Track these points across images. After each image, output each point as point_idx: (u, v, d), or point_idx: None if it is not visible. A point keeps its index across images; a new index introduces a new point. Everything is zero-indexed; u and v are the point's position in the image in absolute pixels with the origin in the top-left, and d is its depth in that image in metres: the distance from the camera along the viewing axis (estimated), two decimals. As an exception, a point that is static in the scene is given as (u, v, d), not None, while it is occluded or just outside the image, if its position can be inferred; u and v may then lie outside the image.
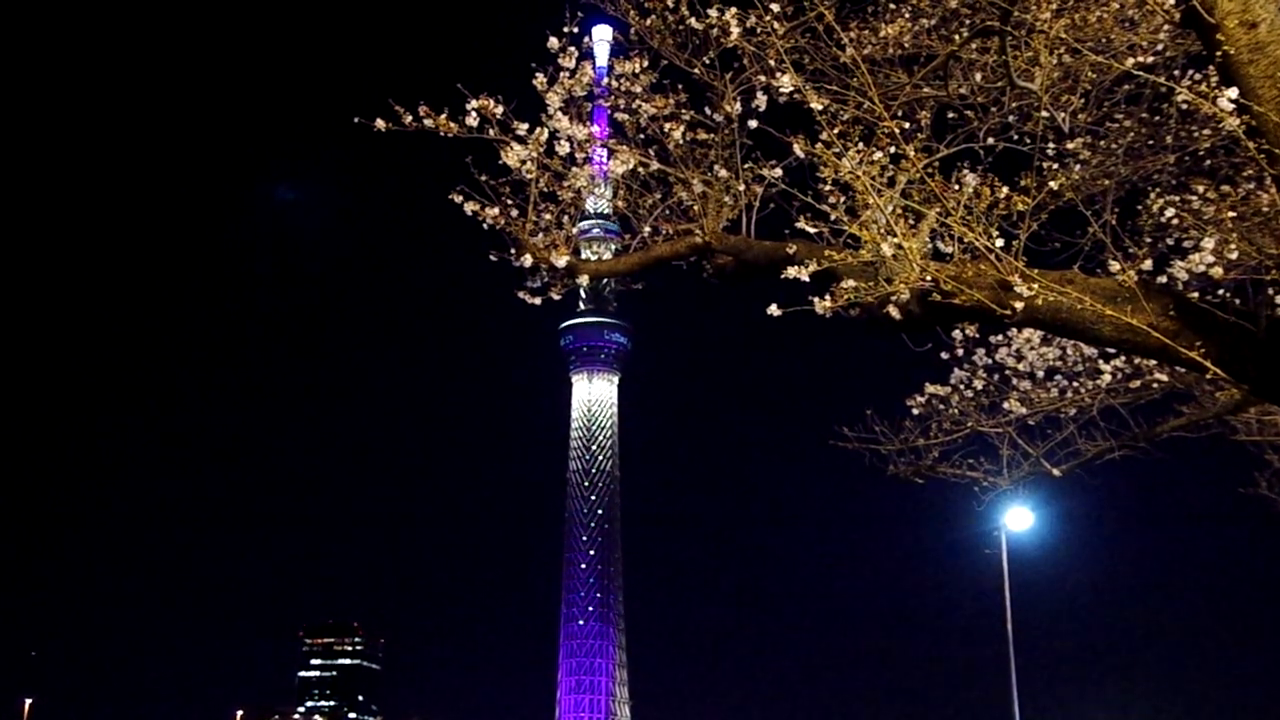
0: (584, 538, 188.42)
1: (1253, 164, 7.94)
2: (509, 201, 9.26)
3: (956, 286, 7.72)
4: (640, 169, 9.69)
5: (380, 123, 9.18)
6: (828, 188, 8.28)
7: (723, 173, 9.57)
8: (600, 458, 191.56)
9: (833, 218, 8.33)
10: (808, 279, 8.29)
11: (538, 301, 9.79)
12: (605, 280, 10.26)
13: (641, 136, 9.75)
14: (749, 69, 9.48)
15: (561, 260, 9.34)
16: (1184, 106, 9.65)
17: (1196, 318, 7.73)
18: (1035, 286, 7.60)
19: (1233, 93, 6.93)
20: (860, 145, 8.11)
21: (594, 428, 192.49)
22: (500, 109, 9.13)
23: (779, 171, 9.30)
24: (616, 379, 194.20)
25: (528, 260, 9.34)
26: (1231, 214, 9.30)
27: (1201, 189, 9.80)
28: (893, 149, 8.04)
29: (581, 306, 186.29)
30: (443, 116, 9.08)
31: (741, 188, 9.55)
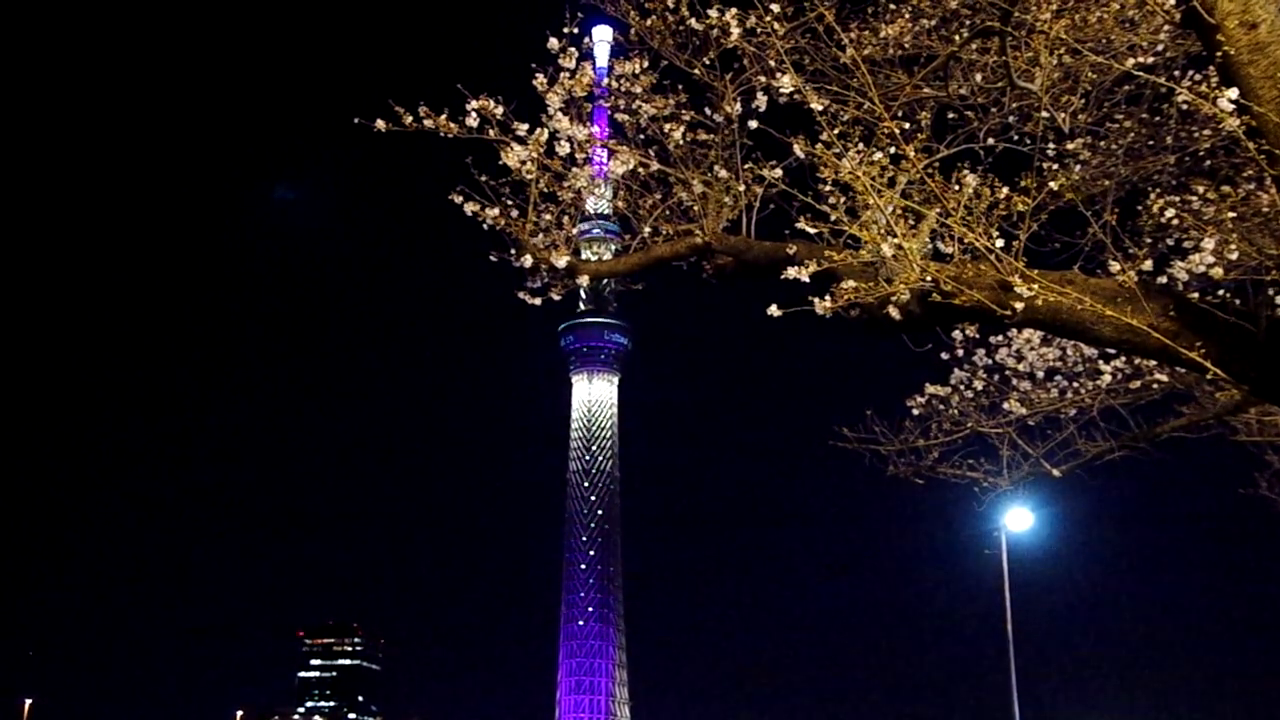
0: (584, 538, 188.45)
1: (1253, 164, 7.94)
2: (509, 202, 9.26)
3: (956, 287, 7.72)
4: (640, 169, 9.69)
5: (380, 123, 9.19)
6: (828, 188, 8.28)
7: (723, 173, 9.57)
8: (600, 458, 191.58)
9: (833, 218, 8.33)
10: (808, 279, 8.29)
11: (538, 302, 9.79)
12: (605, 281, 10.26)
13: (641, 137, 9.75)
14: (749, 69, 9.48)
15: (562, 261, 9.34)
16: (1184, 107, 9.65)
17: (1196, 318, 7.73)
18: (1035, 287, 7.60)
19: (1233, 93, 6.93)
20: (860, 146, 8.12)
21: (594, 428, 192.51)
22: (500, 109, 9.13)
23: (779, 172, 9.30)
24: (616, 379, 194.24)
25: (528, 261, 9.34)
26: (1232, 214, 9.31)
27: (1202, 189, 9.80)
28: (893, 149, 8.04)
29: (582, 307, 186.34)
30: (443, 117, 9.09)
31: (741, 188, 9.56)
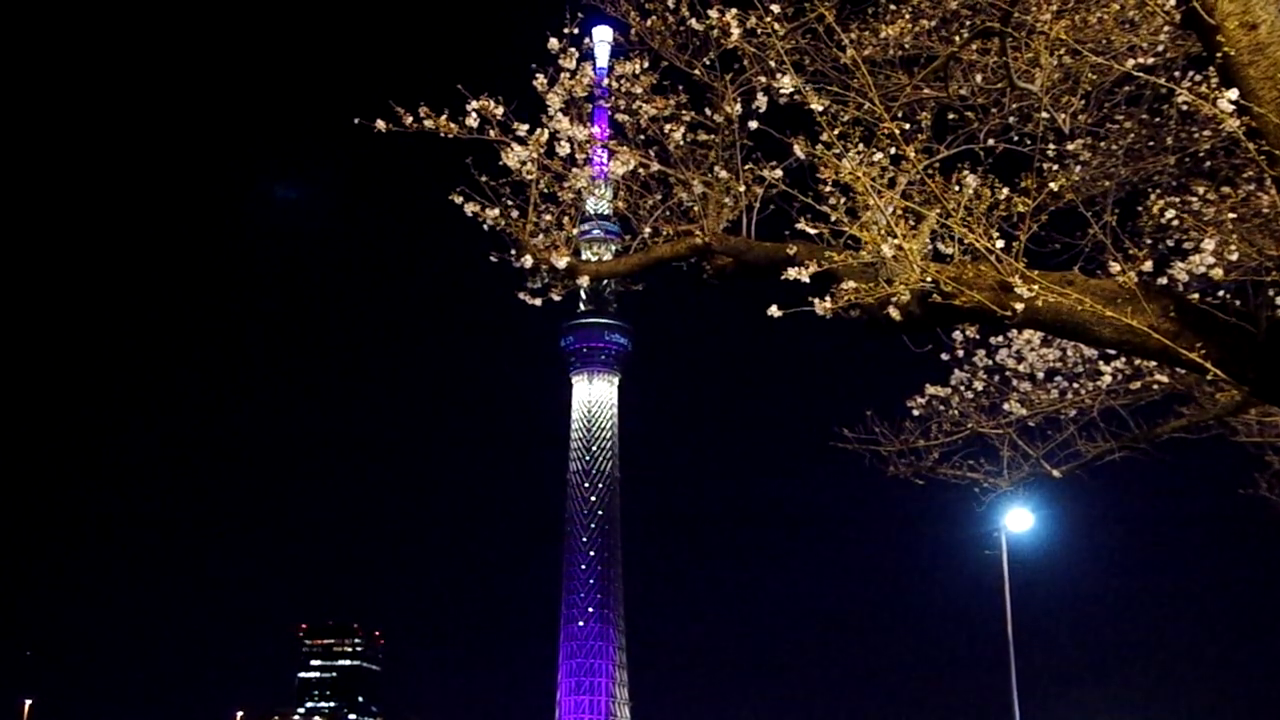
0: (584, 539, 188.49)
1: (1253, 165, 7.94)
2: (509, 202, 9.27)
3: (957, 288, 7.72)
4: (640, 170, 9.70)
5: (381, 124, 9.19)
6: (828, 189, 8.28)
7: (723, 174, 9.58)
8: (600, 458, 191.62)
9: (833, 219, 8.33)
10: (808, 280, 8.30)
11: (538, 302, 9.79)
12: (605, 281, 10.26)
13: (642, 137, 9.75)
14: (749, 70, 9.49)
15: (562, 261, 9.34)
16: (1184, 108, 9.65)
17: (1197, 319, 7.73)
18: (1035, 288, 7.60)
19: (1233, 94, 6.93)
20: (860, 146, 8.12)
21: (594, 428, 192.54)
22: (500, 110, 9.13)
23: (779, 172, 9.30)
24: (617, 380, 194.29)
25: (528, 261, 9.35)
26: (1232, 215, 9.31)
27: (1202, 190, 9.80)
28: (893, 150, 8.04)
29: (582, 307, 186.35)
30: (443, 117, 9.09)
31: (742, 189, 9.56)
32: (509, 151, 9.17)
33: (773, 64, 9.04)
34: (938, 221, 8.05)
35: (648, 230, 9.83)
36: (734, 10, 9.25)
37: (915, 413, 12.87)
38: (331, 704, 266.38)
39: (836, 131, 8.03)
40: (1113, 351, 10.84)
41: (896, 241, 7.77)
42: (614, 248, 10.46)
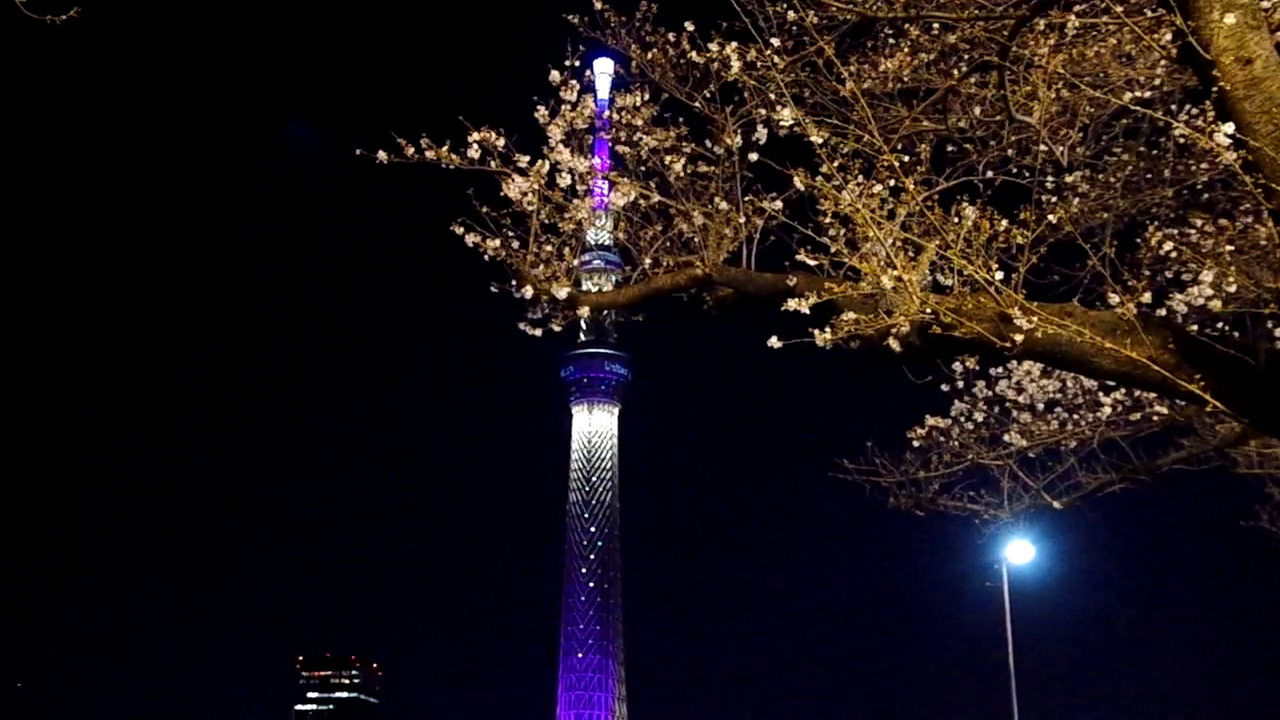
0: (583, 570, 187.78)
1: (1250, 198, 7.97)
2: (510, 233, 9.31)
3: (956, 319, 7.74)
4: (641, 201, 9.74)
5: (382, 154, 9.24)
6: (828, 220, 8.32)
7: (723, 205, 9.62)
8: (600, 489, 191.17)
9: (833, 250, 8.36)
10: (808, 311, 8.31)
11: (539, 333, 9.81)
12: (606, 312, 10.30)
13: (642, 169, 9.81)
14: (749, 102, 9.55)
15: (562, 292, 9.37)
16: (1181, 141, 9.71)
17: (1196, 351, 7.74)
18: (1035, 319, 7.62)
19: (1229, 127, 6.97)
20: (860, 178, 8.15)
21: (594, 459, 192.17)
22: (502, 141, 9.19)
23: (779, 204, 9.35)
24: (617, 410, 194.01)
25: (529, 292, 9.38)
26: (1229, 247, 9.35)
27: (1200, 222, 9.85)
28: (892, 182, 8.08)
29: (582, 338, 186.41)
30: (444, 148, 9.14)
31: (742, 220, 9.60)
32: (510, 182, 9.22)
33: (773, 96, 9.10)
34: (937, 253, 8.07)
35: (648, 261, 9.87)
36: (734, 43, 9.32)
37: (915, 444, 12.87)
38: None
39: (836, 163, 8.08)
40: (1112, 383, 10.86)
41: (896, 273, 7.79)
42: (614, 278, 10.50)
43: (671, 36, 9.80)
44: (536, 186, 9.23)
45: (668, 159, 9.64)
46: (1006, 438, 12.47)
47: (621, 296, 9.97)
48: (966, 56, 9.87)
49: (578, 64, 9.50)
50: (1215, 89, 7.02)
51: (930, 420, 12.64)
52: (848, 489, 13.45)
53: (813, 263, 8.58)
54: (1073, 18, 9.08)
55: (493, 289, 9.50)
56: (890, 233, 8.00)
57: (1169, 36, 7.62)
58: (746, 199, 9.58)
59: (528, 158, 9.28)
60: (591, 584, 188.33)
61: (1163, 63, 9.29)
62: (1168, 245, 9.50)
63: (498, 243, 9.24)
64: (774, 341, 8.38)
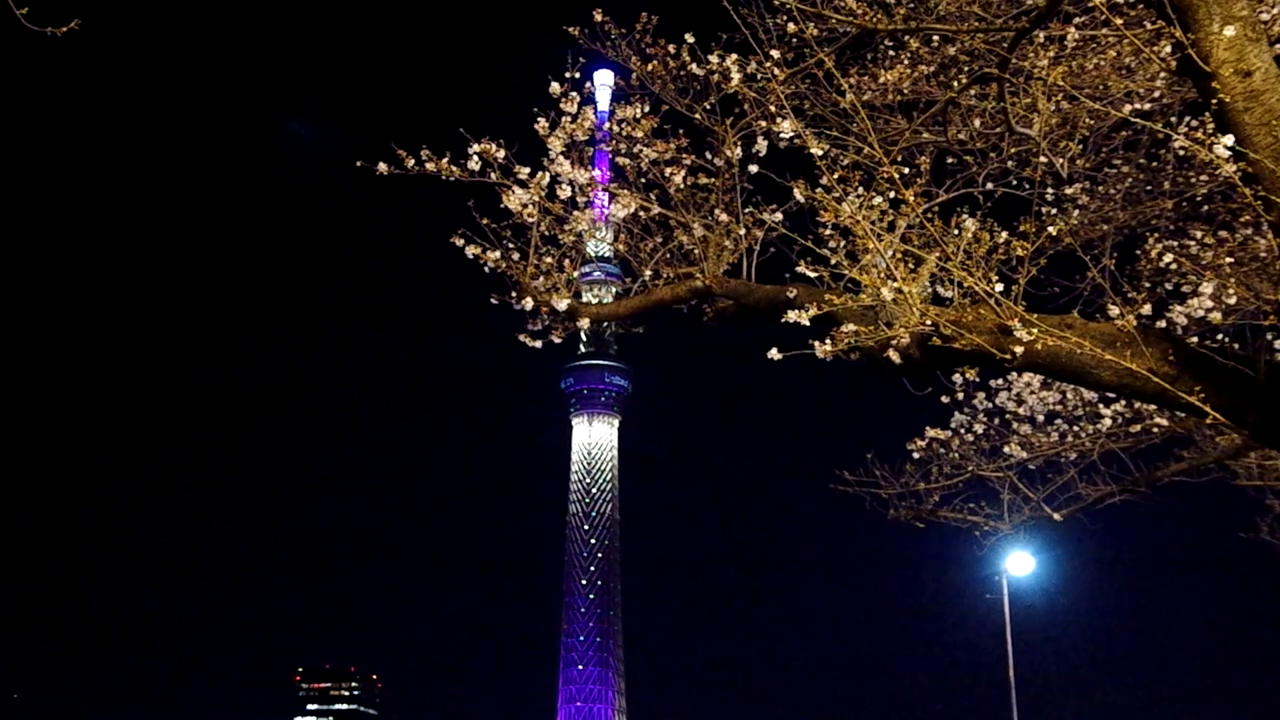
0: (583, 581, 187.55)
1: (1250, 210, 7.99)
2: (510, 245, 9.31)
3: (956, 331, 7.74)
4: (641, 213, 9.75)
5: (383, 166, 9.25)
6: (828, 232, 8.33)
7: (723, 217, 9.63)
8: (600, 501, 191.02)
9: (833, 262, 8.37)
10: (808, 323, 8.32)
11: (539, 344, 9.81)
12: (606, 323, 10.30)
13: (643, 181, 9.82)
14: (749, 114, 9.57)
15: (562, 303, 9.37)
16: (1181, 153, 9.73)
17: (1195, 363, 7.74)
18: (1035, 331, 7.62)
19: (1228, 139, 6.98)
20: (860, 190, 8.17)
21: (594, 471, 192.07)
22: (502, 153, 9.20)
23: (779, 216, 9.36)
24: (617, 422, 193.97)
25: (529, 303, 9.38)
26: (1229, 259, 9.37)
27: (1199, 234, 9.86)
28: (892, 194, 8.09)
29: (582, 349, 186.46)
30: (445, 160, 9.15)
31: (742, 232, 9.61)
32: (510, 194, 9.23)
33: (773, 108, 9.12)
34: (937, 265, 8.08)
35: (648, 273, 9.88)
36: (734, 55, 9.34)
37: (915, 455, 12.86)
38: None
39: (836, 175, 8.09)
40: (1112, 395, 10.86)
41: (896, 285, 7.80)
42: (614, 290, 10.50)
43: (672, 48, 9.82)
44: (537, 198, 9.24)
45: (668, 171, 9.65)
46: (1006, 449, 12.47)
47: (622, 308, 9.97)
48: (966, 69, 9.89)
49: (578, 76, 9.51)
50: (1215, 101, 7.03)
51: (930, 432, 12.63)
52: (848, 501, 13.45)
53: (813, 274, 8.59)
54: (1072, 30, 9.11)
55: (493, 300, 9.51)
56: (890, 244, 8.01)
57: (1168, 49, 7.64)
58: (747, 211, 9.59)
59: (528, 169, 9.29)
60: (592, 595, 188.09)
61: (1162, 75, 9.32)
62: (1168, 257, 9.52)
63: (498, 254, 9.25)
64: (774, 353, 8.38)
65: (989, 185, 10.38)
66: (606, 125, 10.02)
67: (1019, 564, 31.59)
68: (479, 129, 9.18)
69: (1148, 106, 9.75)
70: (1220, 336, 9.11)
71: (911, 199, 7.93)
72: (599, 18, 10.22)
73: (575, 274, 9.61)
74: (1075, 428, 12.27)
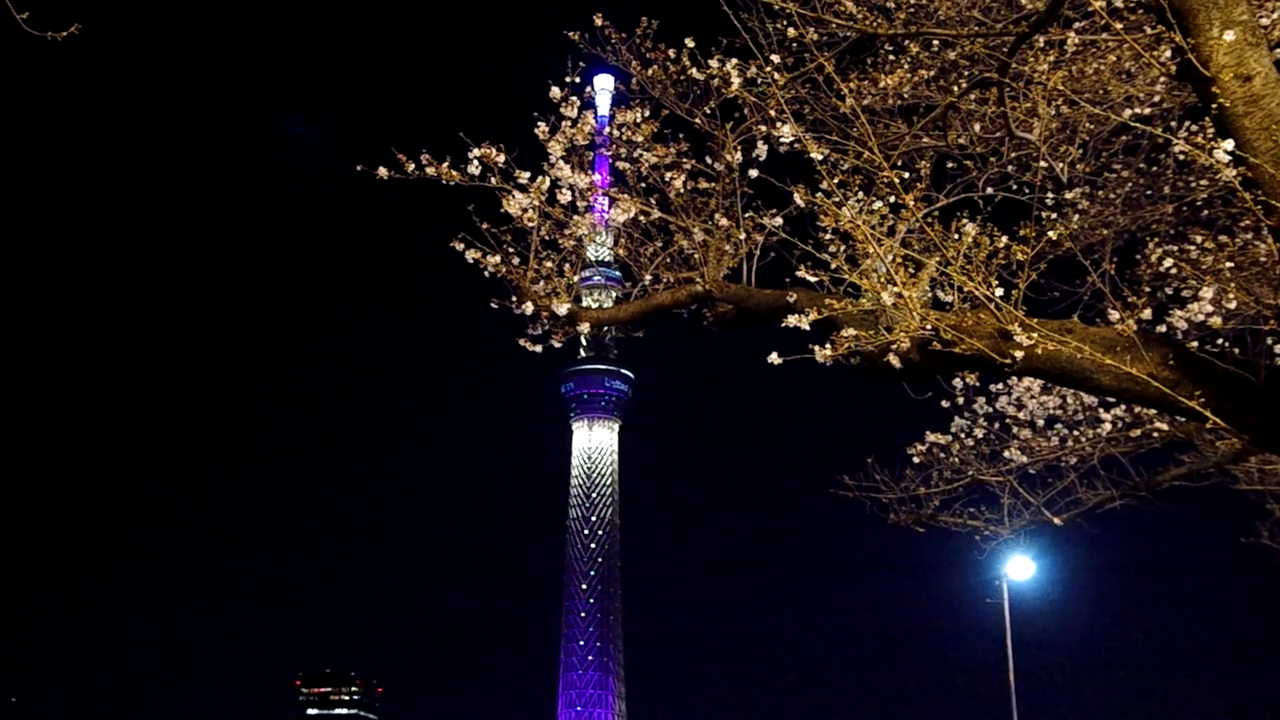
0: (584, 586, 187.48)
1: (1250, 214, 7.99)
2: (510, 249, 9.31)
3: (956, 335, 7.74)
4: (641, 217, 9.75)
5: (383, 171, 9.25)
6: (828, 236, 8.33)
7: (723, 221, 9.63)
8: (600, 505, 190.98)
9: (833, 266, 8.37)
10: (808, 327, 8.32)
11: (539, 349, 9.81)
12: (606, 328, 10.29)
13: (643, 185, 9.82)
14: (749, 119, 9.57)
15: (563, 308, 9.38)
16: (1181, 157, 9.74)
17: (1196, 367, 7.74)
18: (1035, 336, 7.62)
19: (1228, 144, 6.98)
20: (860, 194, 8.17)
21: (594, 475, 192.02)
22: (502, 157, 9.20)
23: (779, 220, 9.36)
24: (617, 426, 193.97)
25: (529, 308, 9.38)
26: (1229, 264, 9.36)
27: (1199, 239, 9.86)
28: (892, 198, 8.09)
29: (582, 354, 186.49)
30: (445, 164, 9.15)
31: (742, 236, 9.61)
32: (510, 199, 9.23)
33: (773, 113, 9.12)
34: (937, 269, 8.08)
35: (648, 277, 9.88)
36: (734, 60, 9.34)
37: (915, 460, 12.87)
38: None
39: (836, 180, 8.09)
40: (1113, 399, 10.86)
41: (896, 289, 7.80)
42: (615, 294, 10.51)
43: (672, 53, 9.82)
44: (537, 203, 9.24)
45: (668, 175, 9.65)
46: (1007, 454, 12.47)
47: (622, 313, 9.97)
48: (966, 73, 9.90)
49: (578, 80, 9.52)
50: (1214, 106, 7.03)
51: (930, 436, 12.64)
52: (848, 505, 13.45)
53: (813, 279, 8.59)
54: (1072, 35, 9.11)
55: (493, 305, 9.51)
56: (890, 249, 8.01)
57: (1168, 53, 7.64)
58: (747, 215, 9.60)
59: (528, 174, 9.29)
60: (592, 600, 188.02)
61: (1162, 79, 9.32)
62: (1168, 262, 9.52)
63: (498, 259, 9.25)
64: (774, 358, 8.38)
65: (989, 190, 10.38)
66: (607, 130, 10.02)
67: (1019, 568, 31.56)
68: (479, 133, 9.19)
69: (1148, 111, 9.76)
70: (1220, 341, 9.11)
71: (911, 203, 7.93)
72: (599, 22, 10.22)
73: (575, 278, 9.61)
74: (1075, 432, 12.27)
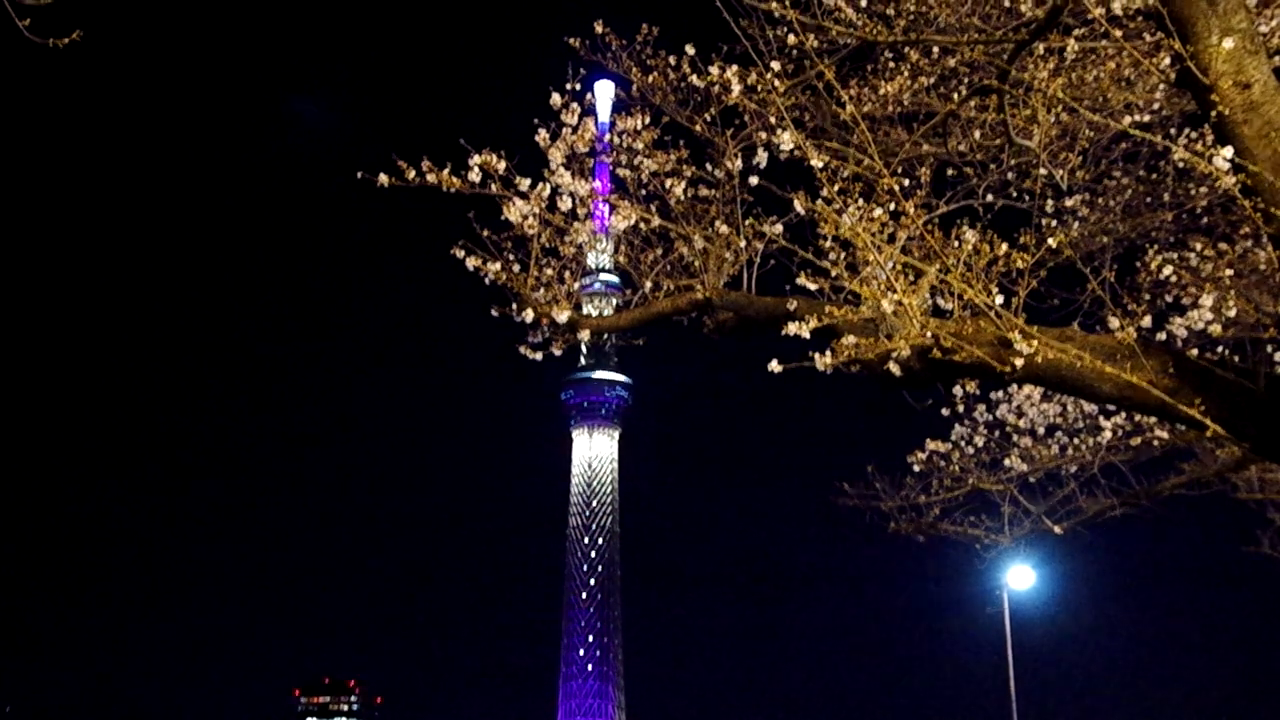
0: (583, 595, 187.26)
1: (1249, 222, 7.99)
2: (511, 257, 9.31)
3: (957, 343, 7.74)
4: (642, 225, 9.75)
5: (384, 178, 9.25)
6: (828, 244, 8.34)
7: (724, 229, 9.63)
8: (600, 513, 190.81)
9: (833, 274, 8.37)
10: (808, 335, 8.32)
11: (539, 356, 9.81)
12: (606, 335, 10.29)
13: (643, 192, 9.82)
14: (750, 126, 9.57)
15: (563, 315, 9.37)
16: (1181, 165, 9.74)
17: (1196, 375, 7.74)
18: (1035, 343, 7.62)
19: (1228, 152, 6.99)
20: (860, 202, 8.17)
21: (594, 483, 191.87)
22: (503, 164, 9.20)
23: (780, 228, 9.36)
24: (617, 434, 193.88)
25: (529, 315, 9.38)
26: (1229, 271, 9.37)
27: (1199, 246, 9.87)
28: (892, 206, 8.10)
29: (582, 361, 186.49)
30: (445, 171, 9.16)
31: (742, 244, 9.61)
32: (511, 206, 9.23)
33: (773, 120, 9.12)
34: (937, 277, 8.08)
35: (649, 284, 9.88)
36: (734, 67, 9.35)
37: (916, 468, 12.86)
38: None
39: (836, 187, 8.09)
40: (1113, 407, 10.86)
41: (896, 297, 7.80)
42: (615, 302, 10.50)
43: (672, 60, 9.83)
44: (537, 210, 9.24)
45: (668, 182, 9.66)
46: (1007, 462, 12.47)
47: (622, 320, 9.97)
48: (966, 80, 9.91)
49: (579, 87, 9.52)
50: (1214, 113, 7.04)
51: (930, 444, 12.63)
52: (848, 513, 13.45)
53: (813, 286, 8.59)
54: (1072, 42, 9.12)
55: (493, 312, 9.51)
56: (890, 256, 8.01)
57: (1167, 61, 7.65)
58: (747, 223, 9.60)
59: (529, 181, 9.29)
60: (592, 609, 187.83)
61: (1162, 87, 9.33)
62: (1167, 269, 9.52)
63: (499, 266, 9.25)
64: (774, 365, 8.38)
65: (989, 197, 10.39)
66: (607, 137, 10.03)
67: (1020, 577, 31.53)
68: (480, 140, 9.19)
69: (1147, 118, 9.77)
70: (1220, 349, 9.12)
71: (911, 211, 7.94)
72: (600, 29, 10.23)
73: (576, 285, 9.62)
74: (1075, 440, 12.26)
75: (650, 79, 9.97)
